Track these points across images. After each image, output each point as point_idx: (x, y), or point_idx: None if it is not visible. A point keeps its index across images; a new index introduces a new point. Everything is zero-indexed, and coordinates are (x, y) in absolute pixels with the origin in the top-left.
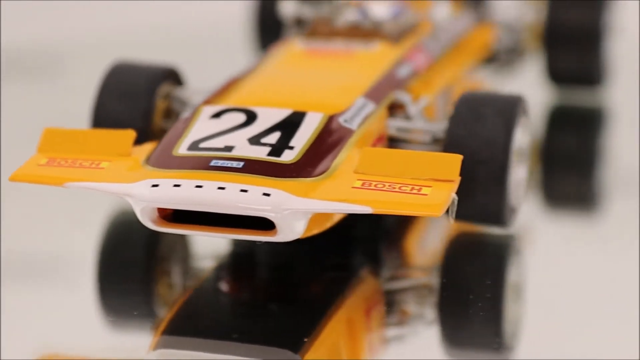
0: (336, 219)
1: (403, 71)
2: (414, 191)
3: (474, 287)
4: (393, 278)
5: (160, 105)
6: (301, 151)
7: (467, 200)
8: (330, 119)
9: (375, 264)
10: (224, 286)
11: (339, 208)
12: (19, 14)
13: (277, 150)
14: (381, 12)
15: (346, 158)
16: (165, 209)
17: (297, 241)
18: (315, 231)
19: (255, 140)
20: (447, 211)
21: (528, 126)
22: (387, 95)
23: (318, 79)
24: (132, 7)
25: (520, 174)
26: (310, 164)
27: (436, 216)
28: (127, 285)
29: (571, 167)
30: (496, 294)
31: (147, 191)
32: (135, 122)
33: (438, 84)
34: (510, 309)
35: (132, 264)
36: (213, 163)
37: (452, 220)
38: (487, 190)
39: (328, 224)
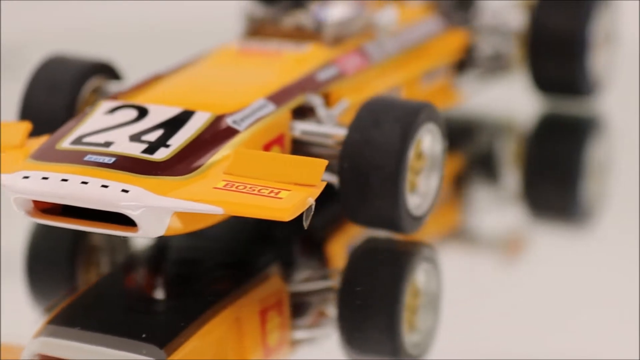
0: (215, 218)
1: (326, 74)
2: (272, 194)
3: (378, 292)
4: (299, 279)
5: (89, 98)
6: (176, 150)
7: (364, 206)
8: (218, 118)
9: (285, 264)
10: (121, 280)
11: (190, 207)
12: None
13: (152, 148)
14: (330, 14)
15: (222, 158)
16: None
17: (211, 238)
18: (191, 229)
19: (136, 137)
20: (303, 215)
21: (439, 134)
22: (296, 98)
23: (228, 79)
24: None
25: (431, 182)
26: (181, 162)
27: (284, 220)
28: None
29: (557, 177)
30: (399, 299)
31: (18, 182)
32: (59, 115)
33: (371, 88)
34: (414, 314)
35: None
36: (87, 158)
37: (305, 225)
38: (381, 196)
39: (203, 223)
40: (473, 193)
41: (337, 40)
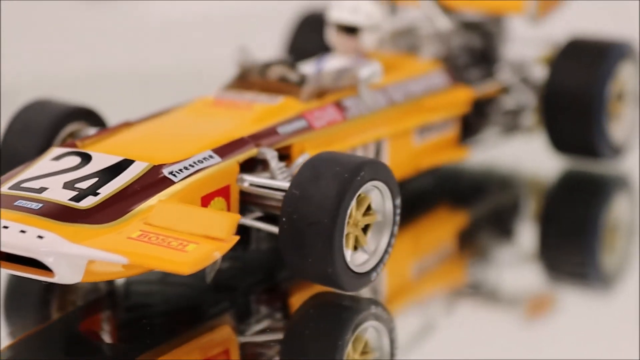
0: (138, 268)
1: (290, 127)
2: (180, 247)
3: (323, 347)
4: (247, 329)
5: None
6: (103, 198)
7: (301, 261)
8: (154, 168)
9: (239, 313)
10: (67, 323)
11: (97, 256)
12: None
13: (81, 196)
14: (324, 67)
15: (147, 208)
16: None
17: (173, 283)
18: (113, 277)
19: (70, 184)
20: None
21: (389, 191)
22: (248, 150)
23: (184, 130)
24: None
25: (382, 240)
26: (105, 210)
27: (183, 274)
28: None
29: (576, 236)
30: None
31: None
32: (33, 158)
33: (343, 142)
34: None
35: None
36: (17, 203)
37: (208, 279)
38: (316, 252)
39: (126, 272)
40: (486, 250)
41: (317, 93)
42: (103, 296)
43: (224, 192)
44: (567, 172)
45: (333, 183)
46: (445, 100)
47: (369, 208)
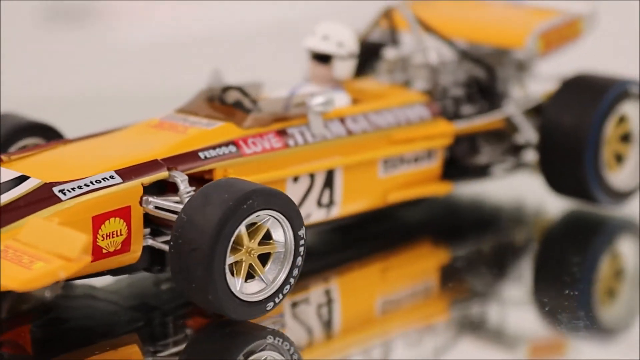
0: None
1: (216, 152)
2: (28, 264)
3: None
4: (150, 348)
5: None
6: None
7: (188, 287)
8: (44, 186)
9: (150, 334)
10: None
11: None
12: None
13: None
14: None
15: (25, 224)
16: None
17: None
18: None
19: None
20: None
21: (288, 222)
22: (157, 173)
23: (99, 150)
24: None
25: (282, 272)
26: None
27: (19, 291)
28: None
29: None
30: None
31: None
32: None
33: (278, 171)
34: None
35: None
36: None
37: (48, 296)
38: (198, 278)
39: None
40: (466, 290)
41: (265, 121)
42: (25, 310)
43: (123, 213)
44: (572, 211)
45: (217, 210)
46: (417, 133)
47: (270, 237)
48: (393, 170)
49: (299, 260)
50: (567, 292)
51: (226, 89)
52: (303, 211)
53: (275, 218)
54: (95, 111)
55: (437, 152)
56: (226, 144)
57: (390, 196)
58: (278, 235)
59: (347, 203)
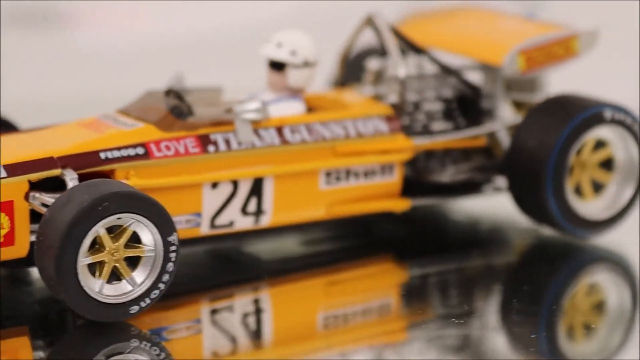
0: None
1: (120, 154)
2: None
3: None
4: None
5: None
6: None
7: (47, 283)
8: None
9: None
10: None
11: None
12: None
13: None
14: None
15: None
16: None
17: None
18: None
19: None
20: None
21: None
22: (46, 170)
23: (13, 144)
24: None
25: (151, 276)
26: None
27: None
28: None
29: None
30: None
31: None
32: None
33: (196, 176)
34: None
35: None
36: None
37: None
38: (51, 276)
39: None
40: (436, 307)
41: (190, 125)
42: None
43: (6, 207)
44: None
45: (72, 210)
46: (365, 147)
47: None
48: (338, 183)
49: (170, 266)
50: (523, 318)
51: (168, 92)
52: (225, 218)
53: (141, 222)
54: (54, 115)
55: (395, 168)
56: (134, 146)
57: (336, 209)
58: (147, 239)
59: (280, 213)
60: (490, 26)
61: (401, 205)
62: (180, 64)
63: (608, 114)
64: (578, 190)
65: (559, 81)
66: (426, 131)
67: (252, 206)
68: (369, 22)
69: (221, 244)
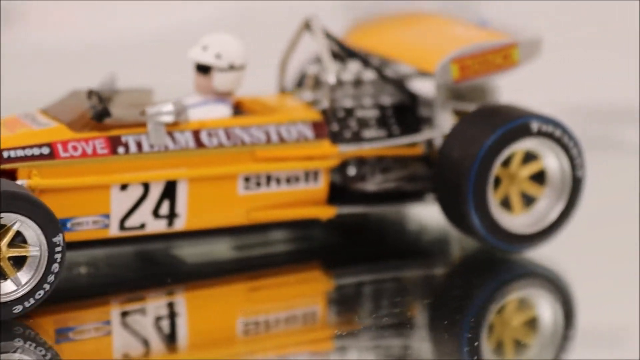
0: None
1: (24, 153)
2: None
3: None
4: None
5: None
6: None
7: None
8: None
9: None
10: None
11: None
12: None
13: None
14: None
15: None
16: None
17: None
18: None
19: None
20: None
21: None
22: None
23: None
24: None
25: (35, 276)
26: None
27: None
28: None
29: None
30: None
31: None
32: None
33: (104, 177)
34: None
35: None
36: None
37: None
38: None
39: None
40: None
41: (101, 126)
42: None
43: None
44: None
45: None
46: (287, 152)
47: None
48: (258, 188)
49: (55, 266)
50: (449, 331)
51: (90, 93)
52: (136, 220)
53: (24, 222)
54: None
55: (321, 175)
56: (40, 146)
57: (256, 215)
58: (32, 239)
59: (195, 216)
60: (433, 33)
61: (326, 212)
62: (119, 64)
63: (535, 125)
64: (507, 203)
65: (559, 82)
66: (356, 138)
67: (164, 209)
68: (307, 26)
69: (150, 246)
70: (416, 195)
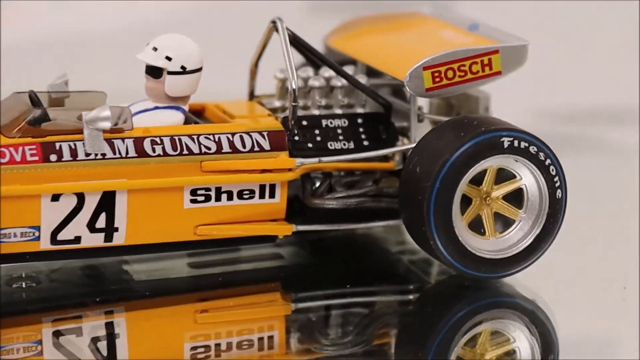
0: None
1: None
2: None
3: None
4: None
5: None
6: None
7: None
8: None
9: None
10: None
11: None
12: None
13: None
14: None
15: None
16: None
17: None
18: None
19: None
20: None
21: None
22: None
23: None
24: None
25: None
26: None
27: None
28: None
29: None
30: None
31: None
32: None
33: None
34: None
35: None
36: None
37: None
38: None
39: None
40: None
41: (35, 132)
42: None
43: None
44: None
45: None
46: (237, 165)
47: None
48: (207, 202)
49: None
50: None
51: (30, 95)
52: (69, 233)
53: None
54: None
55: (278, 189)
56: None
57: (204, 231)
58: None
59: (136, 231)
60: (416, 37)
61: (282, 230)
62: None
63: (506, 141)
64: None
65: (559, 82)
66: (319, 150)
67: (101, 222)
68: (274, 28)
69: (102, 260)
70: (388, 214)
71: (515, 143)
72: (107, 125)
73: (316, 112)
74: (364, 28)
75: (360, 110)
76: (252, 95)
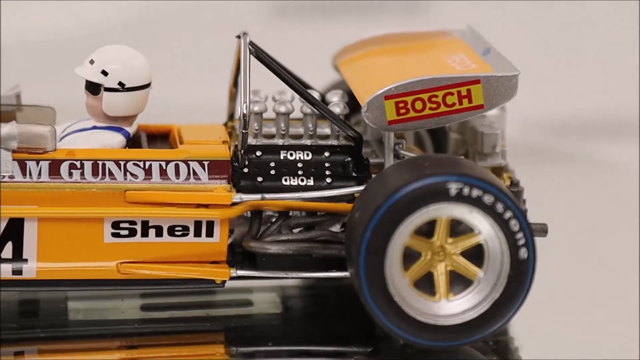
0: None
1: None
2: None
3: None
4: None
5: None
6: None
7: None
8: None
9: None
10: None
11: None
12: None
13: None
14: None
15: None
16: None
17: None
18: None
19: None
20: None
21: None
22: None
23: None
24: None
25: None
26: None
27: None
28: None
29: None
30: None
31: None
32: None
33: None
34: None
35: None
36: None
37: None
38: None
39: None
40: None
41: None
42: None
43: None
44: None
45: None
46: (167, 197)
47: None
48: (132, 237)
49: None
50: None
51: None
52: None
53: None
54: None
55: (217, 227)
56: None
57: (129, 269)
58: None
59: (50, 264)
60: (416, 61)
61: (217, 274)
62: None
63: (453, 187)
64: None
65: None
66: (272, 185)
67: (7, 252)
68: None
69: (50, 294)
70: (341, 265)
71: (465, 191)
72: (13, 144)
73: (279, 141)
74: (376, 48)
75: (333, 142)
76: (231, 118)
